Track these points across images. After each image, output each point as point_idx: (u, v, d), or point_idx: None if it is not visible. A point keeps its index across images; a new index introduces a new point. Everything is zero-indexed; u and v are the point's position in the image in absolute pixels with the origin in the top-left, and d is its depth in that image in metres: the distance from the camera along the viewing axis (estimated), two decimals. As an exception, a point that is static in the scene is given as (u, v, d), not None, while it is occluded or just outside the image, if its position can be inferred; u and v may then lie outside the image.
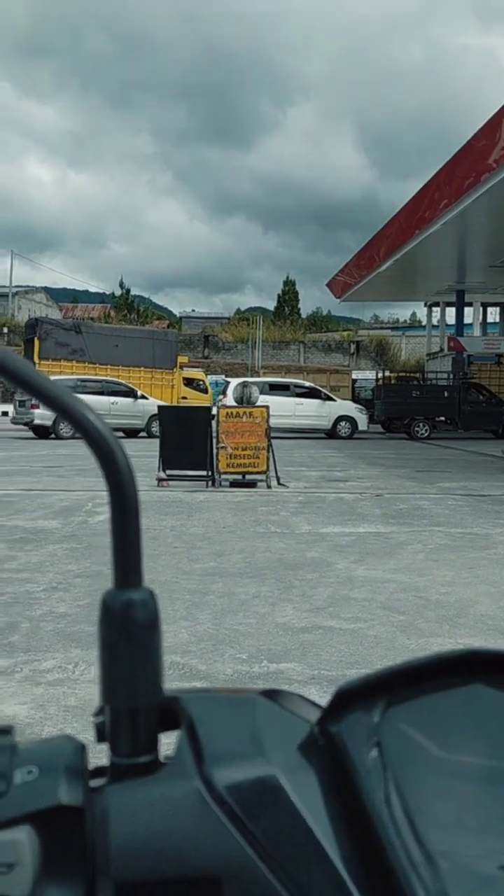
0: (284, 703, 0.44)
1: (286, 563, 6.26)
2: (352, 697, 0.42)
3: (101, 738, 0.42)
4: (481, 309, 35.72)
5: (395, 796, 0.37)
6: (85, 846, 0.37)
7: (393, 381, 26.70)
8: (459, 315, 30.92)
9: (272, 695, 0.44)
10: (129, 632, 0.40)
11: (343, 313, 62.49)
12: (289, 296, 53.85)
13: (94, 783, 0.39)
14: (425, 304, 38.42)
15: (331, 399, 22.89)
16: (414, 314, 57.50)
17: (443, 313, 35.55)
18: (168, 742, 0.41)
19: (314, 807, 0.38)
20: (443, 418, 24.29)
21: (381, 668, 0.42)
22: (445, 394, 24.26)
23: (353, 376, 30.85)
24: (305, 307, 74.79)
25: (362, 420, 22.62)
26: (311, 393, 22.57)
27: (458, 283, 29.07)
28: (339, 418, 22.36)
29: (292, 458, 16.05)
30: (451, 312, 32.48)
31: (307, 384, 23.70)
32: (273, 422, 20.73)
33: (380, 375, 26.66)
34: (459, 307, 30.81)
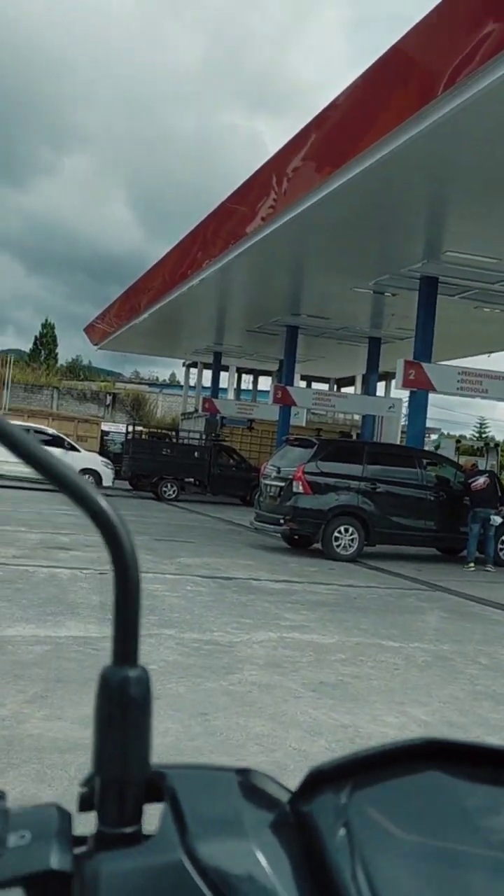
0: (258, 782, 0.44)
1: None
2: (321, 780, 0.43)
3: (83, 807, 0.42)
4: (237, 374, 35.14)
5: (362, 874, 0.38)
6: None
7: (144, 437, 24.64)
8: (215, 377, 29.86)
9: (247, 774, 0.45)
10: (124, 707, 0.41)
11: (104, 366, 59.96)
12: (46, 339, 50.22)
13: (77, 850, 0.40)
14: (184, 364, 37.25)
15: (75, 449, 20.34)
16: (174, 374, 56.51)
17: (200, 375, 34.49)
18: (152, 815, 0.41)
19: (286, 882, 0.38)
20: (192, 480, 22.60)
21: (348, 754, 0.43)
22: (196, 454, 22.62)
23: (103, 427, 28.35)
24: (67, 355, 71.33)
25: (107, 475, 20.27)
26: (54, 441, 19.84)
27: (216, 345, 28.02)
28: (82, 471, 19.82)
29: (17, 513, 13.34)
30: (207, 376, 31.42)
31: (50, 431, 20.96)
32: (6, 469, 17.90)
33: (130, 429, 24.45)
34: (216, 369, 29.75)
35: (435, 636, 6.52)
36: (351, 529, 11.38)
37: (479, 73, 9.15)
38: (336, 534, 11.30)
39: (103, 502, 0.42)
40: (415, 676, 5.15)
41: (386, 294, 18.92)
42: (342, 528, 11.35)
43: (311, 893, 0.38)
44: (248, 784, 0.44)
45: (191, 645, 5.35)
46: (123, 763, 0.41)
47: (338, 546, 11.30)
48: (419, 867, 0.39)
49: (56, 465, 0.41)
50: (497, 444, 23.03)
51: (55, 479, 0.41)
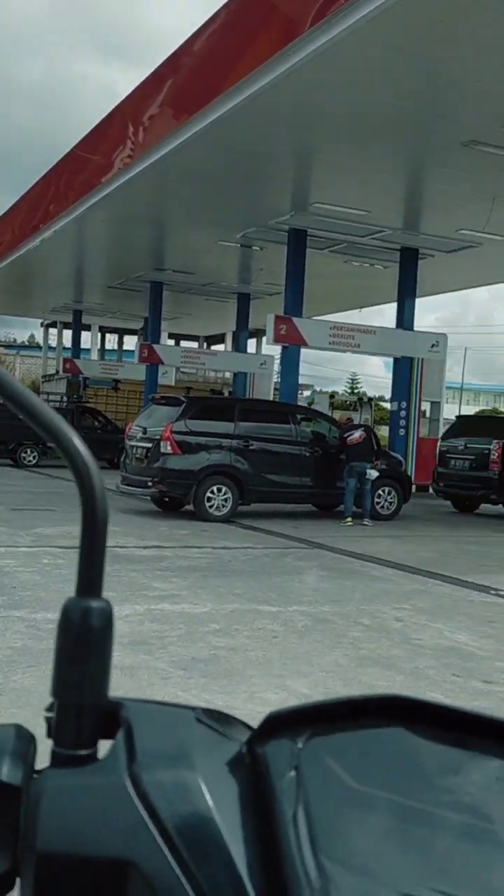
0: (220, 722, 0.45)
1: None
2: (281, 724, 0.43)
3: (50, 733, 0.43)
4: (100, 334, 33.90)
5: (303, 816, 0.39)
6: (17, 822, 0.40)
7: None
8: (76, 337, 28.61)
9: (210, 714, 0.46)
10: (84, 636, 0.44)
11: (-44, 328, 56.49)
12: None
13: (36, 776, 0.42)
14: (42, 324, 35.57)
15: None
16: (32, 336, 53.98)
17: (60, 335, 33.01)
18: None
19: (228, 815, 0.39)
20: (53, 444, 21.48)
21: (312, 701, 0.44)
22: (58, 418, 21.51)
23: (-45, 393, 26.58)
24: None
25: (-42, 443, 18.93)
26: None
27: (76, 303, 26.78)
28: None
29: None
30: (69, 336, 30.05)
31: None
32: None
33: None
34: (76, 328, 28.50)
35: (314, 597, 6.22)
36: (224, 489, 10.96)
37: (345, 9, 8.72)
38: (209, 494, 10.85)
39: (76, 441, 0.44)
40: (294, 644, 4.78)
41: (253, 248, 18.45)
42: (215, 488, 10.91)
43: (253, 830, 0.39)
44: (206, 722, 0.44)
45: (44, 627, 4.74)
46: (81, 689, 0.43)
47: (211, 507, 10.86)
48: (364, 817, 0.39)
49: (37, 404, 0.44)
50: (370, 399, 23.24)
51: (33, 418, 0.44)
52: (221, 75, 10.71)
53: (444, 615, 5.74)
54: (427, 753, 0.42)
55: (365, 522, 11.27)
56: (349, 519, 11.23)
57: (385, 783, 0.41)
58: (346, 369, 71.93)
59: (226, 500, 10.96)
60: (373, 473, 11.29)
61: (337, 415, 16.76)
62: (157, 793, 0.39)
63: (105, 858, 0.38)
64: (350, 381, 54.16)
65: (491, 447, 12.63)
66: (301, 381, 35.96)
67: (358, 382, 53.70)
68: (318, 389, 32.72)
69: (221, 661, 4.33)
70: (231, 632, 4.96)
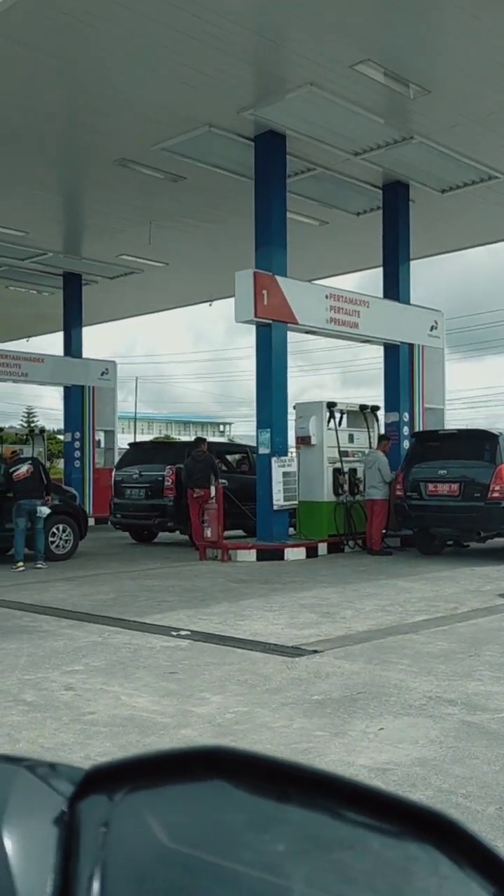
0: (51, 775, 0.43)
1: None
2: (101, 779, 0.42)
3: None
4: None
5: (98, 879, 0.37)
6: None
7: None
8: None
9: (41, 766, 0.43)
10: None
11: None
12: None
13: None
14: None
15: None
16: None
17: None
18: None
19: (30, 875, 0.37)
20: None
21: (132, 755, 0.42)
22: None
23: None
24: None
25: None
26: None
27: None
28: None
29: None
30: None
31: None
32: None
33: None
34: None
35: (-33, 675, 5.01)
36: None
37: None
38: None
39: None
40: None
41: None
42: None
43: (55, 889, 0.37)
44: (35, 775, 0.43)
45: None
46: None
47: None
48: (161, 875, 0.37)
49: None
50: (42, 430, 21.88)
51: None
52: None
53: (122, 673, 4.90)
54: (243, 808, 0.40)
55: (39, 565, 10.09)
56: (20, 563, 9.99)
57: (194, 839, 0.38)
58: (23, 403, 68.57)
59: None
60: (44, 511, 10.17)
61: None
62: None
63: None
64: (25, 414, 51.87)
65: (165, 474, 12.19)
66: (-29, 415, 32.85)
67: (34, 416, 51.61)
68: (-8, 425, 30.46)
69: None
70: None
